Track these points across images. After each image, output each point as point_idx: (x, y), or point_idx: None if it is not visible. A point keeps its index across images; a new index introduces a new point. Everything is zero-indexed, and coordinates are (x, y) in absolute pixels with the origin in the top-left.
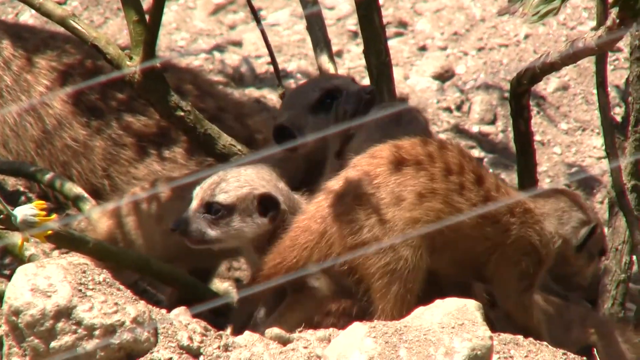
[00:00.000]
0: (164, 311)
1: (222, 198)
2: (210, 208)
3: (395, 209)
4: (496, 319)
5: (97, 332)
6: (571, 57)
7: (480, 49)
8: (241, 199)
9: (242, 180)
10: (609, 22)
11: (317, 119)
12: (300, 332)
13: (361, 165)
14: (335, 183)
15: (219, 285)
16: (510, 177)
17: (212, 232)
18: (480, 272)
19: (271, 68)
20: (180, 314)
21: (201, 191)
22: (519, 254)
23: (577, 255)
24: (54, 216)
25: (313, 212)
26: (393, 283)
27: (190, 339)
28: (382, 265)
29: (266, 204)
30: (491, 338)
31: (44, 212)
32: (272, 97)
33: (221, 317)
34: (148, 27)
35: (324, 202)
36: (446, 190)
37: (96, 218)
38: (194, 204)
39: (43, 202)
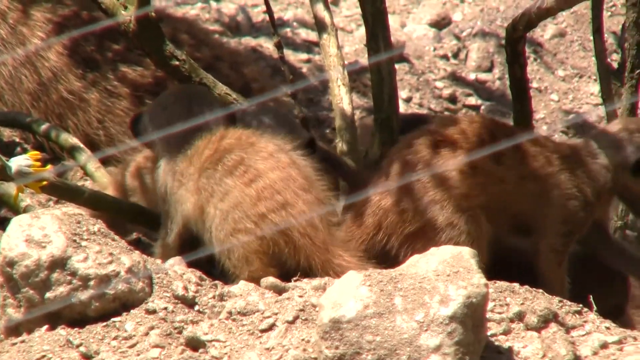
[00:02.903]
0: (159, 261)
1: None
2: None
3: (441, 189)
4: None
5: (91, 283)
6: (567, 2)
7: None
8: None
9: None
10: None
11: None
12: (295, 281)
13: (401, 155)
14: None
15: None
16: None
17: None
18: (533, 225)
19: (267, 17)
20: (175, 263)
21: None
22: (563, 198)
23: (636, 180)
24: (48, 167)
25: (368, 209)
26: None
27: (186, 288)
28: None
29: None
30: (486, 285)
31: (38, 163)
32: (268, 45)
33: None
34: None
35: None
36: (484, 162)
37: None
38: None
39: (38, 152)
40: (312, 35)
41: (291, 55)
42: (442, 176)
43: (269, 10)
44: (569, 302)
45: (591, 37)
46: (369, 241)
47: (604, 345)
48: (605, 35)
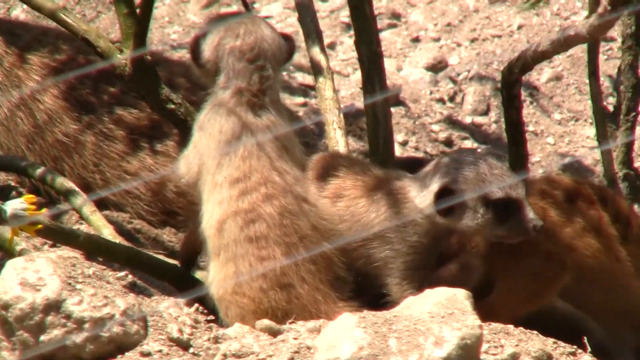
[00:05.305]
0: (153, 304)
1: None
2: None
3: (558, 232)
4: None
5: (86, 325)
6: (562, 45)
7: (473, 40)
8: None
9: None
10: (600, 9)
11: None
12: (290, 323)
13: (540, 182)
14: None
15: None
16: None
17: None
18: None
19: None
20: (170, 306)
21: None
22: None
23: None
24: (44, 210)
25: None
26: (532, 283)
27: (180, 331)
28: (529, 268)
29: None
30: (481, 327)
31: (34, 206)
32: None
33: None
34: (138, 20)
35: None
36: (609, 234)
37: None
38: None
39: (33, 196)
40: (309, 79)
41: (287, 99)
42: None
43: None
44: (563, 343)
45: (587, 81)
46: None
47: None
48: (601, 78)
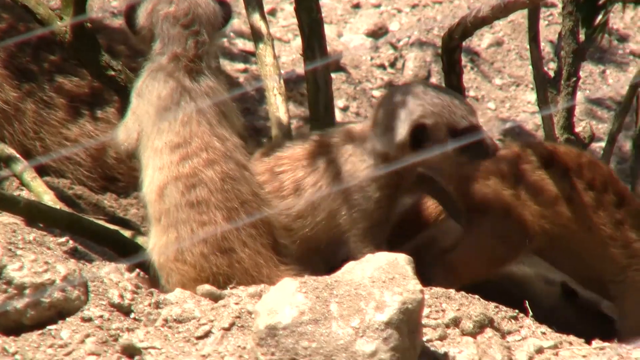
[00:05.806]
0: (94, 269)
1: None
2: None
3: (529, 199)
4: None
5: (27, 291)
6: (502, 11)
7: (414, 6)
8: None
9: None
10: None
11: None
12: (231, 288)
13: (514, 148)
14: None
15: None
16: None
17: None
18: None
19: None
20: (111, 271)
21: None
22: None
23: None
24: None
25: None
26: (497, 245)
27: (121, 296)
28: (497, 231)
29: None
30: (422, 291)
31: None
32: None
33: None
34: None
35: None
36: (582, 202)
37: None
38: None
39: None
40: (249, 45)
41: (228, 65)
42: (538, 188)
43: None
44: (504, 308)
45: (528, 46)
46: None
47: (540, 350)
48: (542, 44)
